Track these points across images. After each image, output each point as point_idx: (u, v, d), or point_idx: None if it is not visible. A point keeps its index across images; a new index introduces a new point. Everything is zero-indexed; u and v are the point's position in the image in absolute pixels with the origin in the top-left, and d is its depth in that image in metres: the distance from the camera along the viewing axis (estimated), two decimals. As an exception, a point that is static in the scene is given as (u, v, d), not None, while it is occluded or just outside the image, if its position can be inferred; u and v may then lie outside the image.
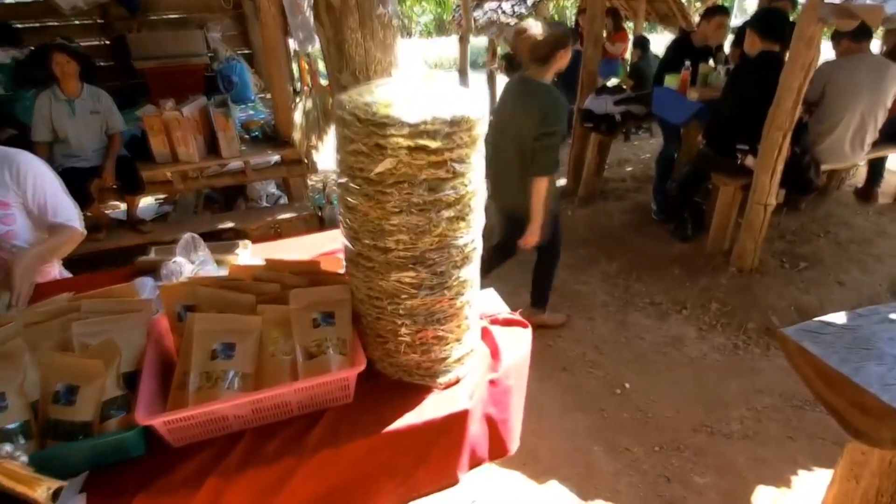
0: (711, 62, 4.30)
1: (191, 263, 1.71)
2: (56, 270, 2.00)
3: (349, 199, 1.21)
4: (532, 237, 2.66)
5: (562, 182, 5.19)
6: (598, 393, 2.62)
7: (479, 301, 1.43)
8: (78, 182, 3.42)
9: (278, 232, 4.15)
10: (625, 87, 5.78)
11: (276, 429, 1.25)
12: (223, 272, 1.76)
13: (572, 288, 3.54)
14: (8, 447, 0.99)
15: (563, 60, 2.48)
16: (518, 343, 1.49)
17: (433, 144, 1.10)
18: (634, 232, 4.18)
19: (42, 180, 1.82)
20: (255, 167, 4.00)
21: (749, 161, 3.38)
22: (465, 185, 1.19)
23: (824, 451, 2.23)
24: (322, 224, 4.12)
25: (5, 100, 4.10)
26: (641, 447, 2.29)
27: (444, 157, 1.13)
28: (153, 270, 1.76)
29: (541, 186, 2.53)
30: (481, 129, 1.18)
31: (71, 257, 3.64)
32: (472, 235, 1.26)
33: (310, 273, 1.43)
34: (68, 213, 1.90)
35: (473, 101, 1.17)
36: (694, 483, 2.11)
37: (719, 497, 2.04)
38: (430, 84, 1.27)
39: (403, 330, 1.28)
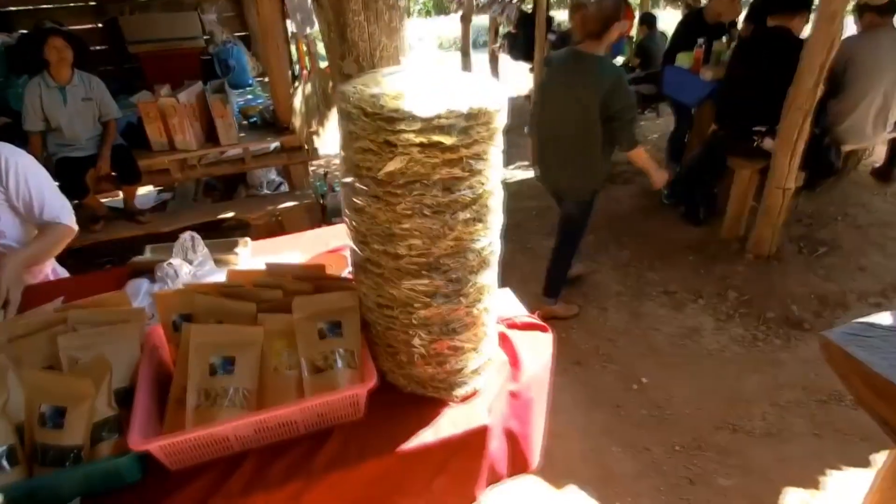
0: (725, 39, 4.14)
1: (188, 264, 1.61)
2: (49, 269, 1.90)
3: (356, 200, 1.10)
4: (659, 179, 2.80)
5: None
6: (614, 388, 2.53)
7: (496, 299, 1.33)
8: (73, 172, 3.33)
9: (279, 221, 4.05)
10: (632, 65, 5.63)
11: (282, 449, 1.16)
12: (222, 274, 1.67)
13: (583, 276, 3.43)
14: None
15: (616, 33, 2.47)
16: (539, 350, 1.39)
17: (448, 140, 0.99)
18: (644, 217, 4.07)
19: (27, 175, 1.71)
20: (254, 154, 3.88)
21: (767, 143, 3.25)
22: (483, 184, 1.09)
23: (853, 450, 2.15)
24: (324, 212, 4.02)
25: (-5, 87, 3.98)
26: (661, 447, 2.21)
27: (460, 153, 1.02)
28: (149, 271, 1.67)
29: (637, 155, 2.64)
30: (500, 121, 1.07)
31: (67, 249, 3.56)
32: (490, 238, 1.16)
33: (314, 278, 1.33)
34: (57, 209, 1.80)
35: (490, 91, 1.05)
36: (718, 485, 2.03)
37: (745, 500, 1.97)
38: (442, 72, 1.15)
39: (416, 341, 1.18)
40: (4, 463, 1.03)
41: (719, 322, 2.92)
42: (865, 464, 2.09)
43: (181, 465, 1.12)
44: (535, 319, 1.47)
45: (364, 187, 1.07)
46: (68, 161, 3.31)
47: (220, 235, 4.29)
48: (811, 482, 2.03)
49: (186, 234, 1.65)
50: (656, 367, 2.64)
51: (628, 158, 2.69)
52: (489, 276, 1.20)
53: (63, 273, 1.99)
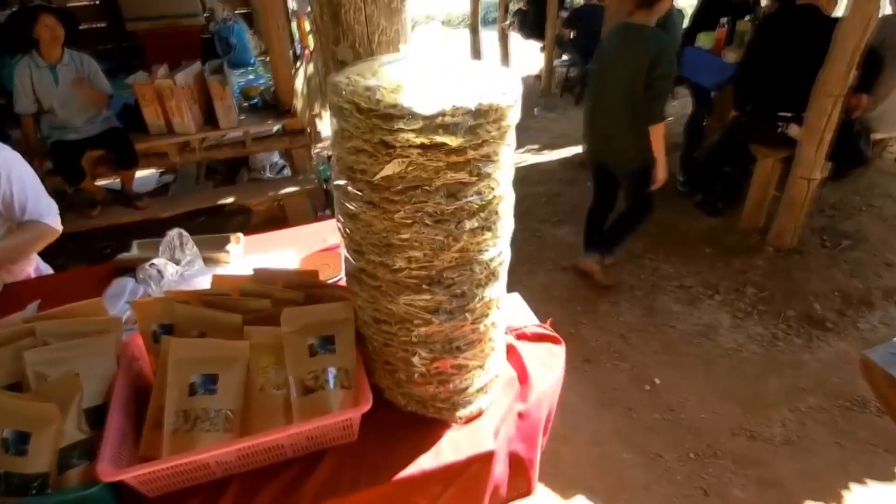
0: (749, 19, 3.93)
1: (175, 264, 1.51)
2: (31, 267, 1.80)
3: (349, 205, 0.98)
4: (662, 176, 2.74)
5: (580, 150, 4.90)
6: (626, 389, 2.42)
7: (505, 311, 1.22)
8: (69, 156, 3.22)
9: (281, 206, 3.94)
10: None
11: (269, 474, 1.07)
12: (210, 274, 1.56)
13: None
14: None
15: (667, 3, 2.53)
16: (550, 364, 1.28)
17: (453, 142, 0.86)
18: (659, 205, 3.88)
19: (10, 172, 1.59)
20: (255, 137, 3.76)
21: (793, 130, 3.08)
22: (493, 189, 0.97)
23: (878, 461, 2.04)
24: (328, 197, 3.89)
25: (-12, 66, 3.84)
26: (674, 453, 2.11)
27: (467, 156, 0.90)
28: (136, 268, 1.56)
29: (658, 132, 2.60)
30: (513, 117, 0.94)
31: (66, 234, 3.47)
32: (499, 248, 1.04)
33: (306, 285, 1.22)
34: (42, 209, 1.69)
35: (503, 82, 0.92)
36: (734, 497, 1.93)
37: (763, 514, 1.87)
38: (449, 60, 1.02)
39: (416, 359, 1.07)
40: (-35, 490, 0.95)
41: (737, 319, 2.80)
42: (891, 477, 1.98)
43: (159, 492, 1.03)
44: (547, 330, 1.36)
45: (358, 192, 0.95)
46: (63, 144, 3.20)
47: (222, 220, 4.20)
48: (833, 495, 1.93)
49: (174, 232, 1.55)
50: (670, 367, 2.53)
51: (642, 136, 2.62)
52: (498, 289, 1.09)
53: (47, 270, 1.88)
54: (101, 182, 3.80)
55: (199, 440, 1.01)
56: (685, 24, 4.54)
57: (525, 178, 4.48)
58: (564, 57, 6.80)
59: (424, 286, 0.99)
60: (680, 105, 5.97)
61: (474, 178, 0.93)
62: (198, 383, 1.05)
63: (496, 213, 1.00)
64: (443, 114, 0.84)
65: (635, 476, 2.02)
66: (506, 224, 1.06)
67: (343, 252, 1.09)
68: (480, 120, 0.87)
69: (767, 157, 3.23)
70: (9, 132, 3.40)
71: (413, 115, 0.83)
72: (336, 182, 1.00)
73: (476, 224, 0.97)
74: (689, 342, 2.67)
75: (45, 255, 1.89)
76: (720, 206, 3.66)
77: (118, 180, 3.76)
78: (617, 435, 2.20)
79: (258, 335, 1.11)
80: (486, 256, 1.01)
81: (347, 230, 1.03)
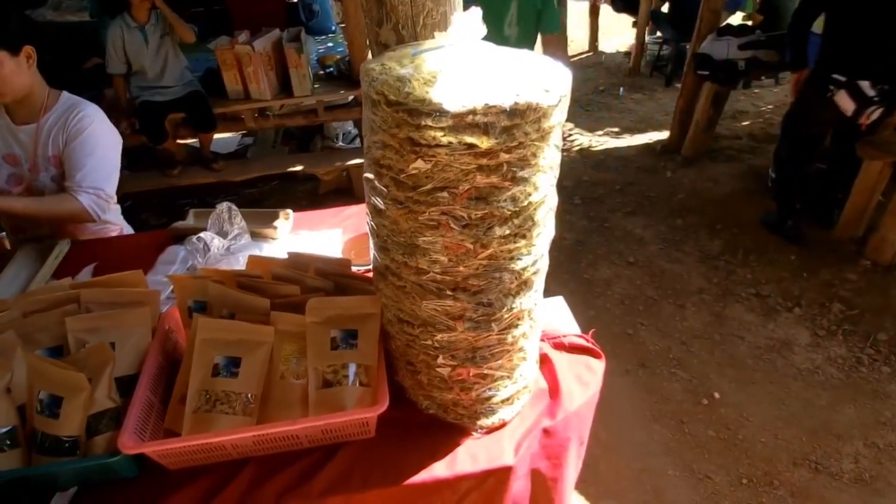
0: None
1: (222, 238, 1.53)
2: (116, 229, 1.87)
3: (375, 200, 0.93)
4: None
5: (663, 136, 4.61)
6: (681, 400, 2.28)
7: (541, 320, 1.14)
8: (154, 116, 3.39)
9: (349, 176, 3.98)
10: (752, 23, 4.94)
11: (283, 462, 1.07)
12: (258, 248, 1.58)
13: (662, 266, 3.11)
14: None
15: None
16: (586, 381, 1.19)
17: (483, 143, 0.79)
18: (746, 203, 3.61)
19: (83, 132, 1.65)
20: (328, 106, 3.79)
21: (842, 100, 2.63)
22: (529, 195, 0.88)
23: (965, 518, 1.81)
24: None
25: (91, 27, 4.08)
26: (726, 476, 1.96)
27: (500, 159, 0.82)
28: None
29: None
30: (557, 118, 0.85)
31: (146, 192, 3.67)
32: (533, 256, 0.96)
33: (337, 275, 1.20)
34: (90, 183, 1.66)
35: (549, 78, 0.83)
36: (787, 534, 1.78)
37: (819, 559, 1.71)
38: (496, 50, 0.93)
39: (439, 363, 1.03)
40: (6, 444, 1.01)
41: (817, 338, 2.54)
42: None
43: (179, 466, 1.05)
44: (587, 342, 1.27)
45: (384, 188, 0.90)
46: (150, 105, 3.36)
47: (293, 185, 4.32)
48: (905, 549, 1.74)
49: (224, 205, 1.57)
50: (733, 382, 2.35)
51: None
52: (531, 299, 1.01)
53: (127, 228, 1.94)
54: (184, 141, 3.99)
55: (217, 422, 1.03)
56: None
57: (600, 164, 4.27)
58: (658, 34, 6.37)
59: (448, 291, 0.94)
60: (782, 92, 5.46)
61: (507, 183, 0.85)
62: (221, 365, 1.06)
63: (532, 219, 0.92)
64: (473, 112, 0.76)
65: (678, 496, 1.90)
66: (544, 231, 0.97)
67: (370, 247, 1.05)
68: (517, 120, 0.79)
69: (875, 159, 2.87)
70: (104, 91, 3.61)
71: (441, 112, 0.76)
72: (365, 175, 0.96)
73: (507, 231, 0.89)
74: (759, 357, 2.46)
75: (129, 210, 1.97)
76: (801, 231, 3.20)
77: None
78: (664, 449, 2.07)
79: (284, 322, 1.10)
80: (517, 265, 0.94)
81: (374, 225, 0.98)
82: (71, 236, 1.71)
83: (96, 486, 1.03)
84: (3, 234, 1.78)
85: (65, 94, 1.70)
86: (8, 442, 1.01)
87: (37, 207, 1.63)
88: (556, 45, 2.51)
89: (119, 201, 1.86)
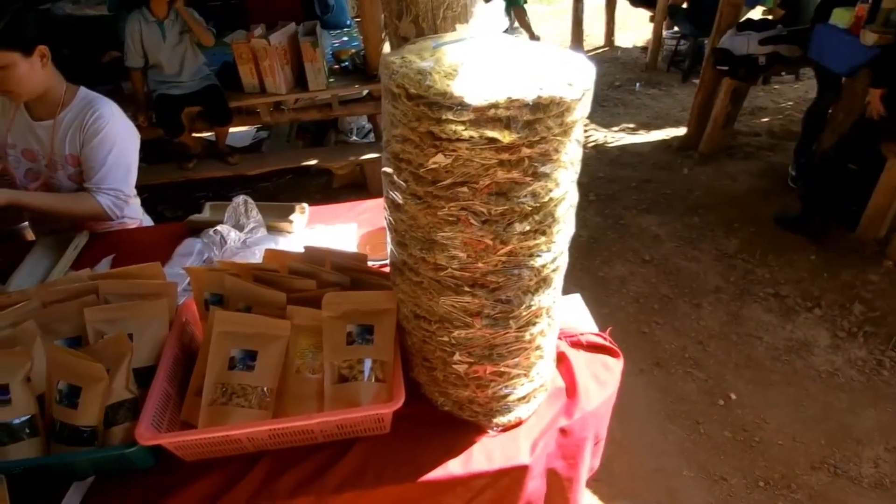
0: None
1: (238, 231, 1.53)
2: (135, 223, 1.88)
3: (394, 195, 0.93)
4: None
5: (680, 132, 4.55)
6: (696, 401, 2.25)
7: (559, 318, 1.13)
8: (170, 110, 3.40)
9: (362, 170, 3.97)
10: (773, 18, 4.86)
11: (298, 457, 1.06)
12: (274, 241, 1.58)
13: (678, 264, 3.08)
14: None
15: None
16: (603, 380, 1.18)
17: (505, 137, 0.78)
18: (764, 201, 3.56)
19: (103, 131, 1.66)
20: (342, 100, 3.78)
21: None
22: (550, 190, 0.87)
23: None
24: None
25: (109, 20, 4.11)
26: (742, 479, 1.93)
27: (522, 154, 0.81)
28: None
29: None
30: (580, 112, 0.83)
31: (163, 184, 3.69)
32: (553, 253, 0.95)
33: (353, 270, 1.19)
34: (108, 183, 1.67)
35: (572, 72, 0.82)
36: (805, 539, 1.75)
37: (837, 564, 1.69)
38: (517, 43, 0.92)
39: (455, 360, 1.02)
40: (25, 433, 1.02)
41: (837, 339, 2.50)
42: None
43: (194, 458, 1.06)
44: (605, 340, 1.25)
45: (403, 182, 0.89)
46: (167, 98, 3.38)
47: (307, 179, 4.33)
48: (927, 556, 1.70)
49: (240, 198, 1.57)
50: (750, 383, 2.32)
51: None
52: (550, 296, 1.00)
53: (146, 220, 1.95)
54: (200, 135, 4.01)
55: (232, 415, 1.03)
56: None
57: (615, 160, 4.23)
58: (675, 28, 6.28)
59: (466, 288, 0.93)
60: (803, 88, 5.37)
61: (529, 178, 0.84)
62: (237, 358, 1.06)
63: (552, 216, 0.90)
64: (495, 105, 0.75)
65: (692, 497, 1.88)
66: (564, 228, 0.96)
67: (388, 242, 1.04)
68: (539, 114, 0.78)
69: (901, 157, 2.81)
70: (122, 84, 3.64)
71: (463, 106, 0.75)
72: (383, 169, 0.95)
73: (528, 227, 0.88)
74: (777, 358, 2.43)
75: (146, 202, 1.98)
76: (826, 230, 3.17)
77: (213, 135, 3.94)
78: (680, 450, 2.05)
79: (300, 316, 1.10)
80: (537, 262, 0.92)
81: (392, 220, 0.98)
82: (90, 229, 1.72)
83: (113, 475, 1.04)
84: (25, 224, 1.80)
85: (81, 89, 1.70)
86: (27, 430, 1.02)
87: (57, 205, 1.65)
88: (522, 18, 2.49)
89: (137, 193, 1.87)
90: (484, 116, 0.76)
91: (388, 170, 0.93)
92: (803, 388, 2.28)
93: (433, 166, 0.82)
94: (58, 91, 1.65)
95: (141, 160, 1.80)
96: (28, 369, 1.04)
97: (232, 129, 3.95)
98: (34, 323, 1.09)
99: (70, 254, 1.59)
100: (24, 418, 1.02)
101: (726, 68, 3.91)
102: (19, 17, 1.46)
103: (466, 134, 0.77)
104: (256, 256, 1.45)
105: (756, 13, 5.53)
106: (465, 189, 0.83)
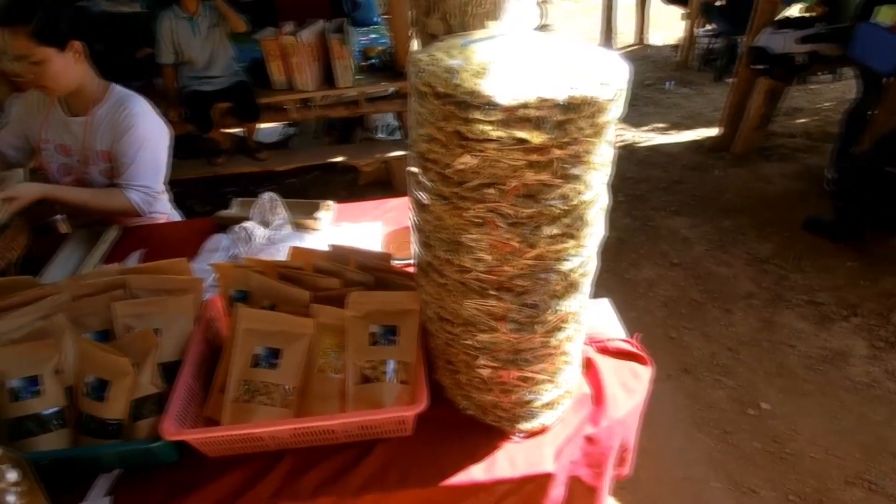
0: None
1: (264, 227, 1.54)
2: (164, 218, 1.91)
3: (420, 195, 0.91)
4: None
5: (712, 132, 4.44)
6: (726, 409, 2.19)
7: (586, 323, 1.10)
8: (201, 106, 3.45)
9: (388, 168, 3.98)
10: (812, 15, 4.70)
11: (320, 456, 1.06)
12: (298, 239, 1.58)
13: (709, 268, 3.00)
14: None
15: None
16: (631, 388, 1.15)
17: (535, 138, 0.75)
18: (800, 205, 3.45)
19: (133, 128, 1.68)
20: (369, 97, 3.79)
21: None
22: (580, 193, 0.85)
23: None
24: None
25: (143, 17, 4.19)
26: (773, 492, 1.87)
27: (552, 155, 0.79)
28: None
29: None
30: (613, 113, 0.81)
31: (189, 180, 3.75)
32: (582, 257, 0.92)
33: (378, 269, 1.19)
34: (138, 180, 1.70)
35: (606, 71, 0.79)
36: (839, 557, 1.69)
37: (872, 585, 1.62)
38: (550, 40, 0.90)
39: (479, 363, 1.00)
40: (54, 423, 1.04)
41: (875, 350, 2.40)
42: None
43: (217, 454, 1.06)
44: (634, 347, 1.22)
45: (429, 182, 0.87)
46: (197, 94, 3.43)
47: (333, 176, 4.35)
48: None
49: (266, 195, 1.58)
50: (782, 393, 2.24)
51: None
52: (578, 301, 0.97)
53: (173, 216, 1.98)
54: (229, 131, 4.06)
55: (255, 413, 1.03)
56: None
57: (644, 160, 4.15)
58: (709, 26, 6.15)
59: (492, 291, 0.91)
60: (841, 88, 5.20)
61: (558, 180, 0.81)
62: (261, 356, 1.06)
63: (582, 219, 0.88)
64: (525, 105, 0.73)
65: (721, 508, 1.83)
66: (594, 231, 0.93)
67: (413, 242, 1.03)
68: (571, 115, 0.75)
69: (947, 160, 2.69)
70: (154, 80, 3.71)
71: (492, 105, 0.73)
72: (409, 168, 0.93)
73: (556, 231, 0.86)
74: (811, 367, 2.35)
75: (176, 197, 2.01)
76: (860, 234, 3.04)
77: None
78: (708, 459, 1.99)
79: (324, 315, 1.09)
80: (565, 266, 0.90)
81: (417, 220, 0.96)
82: (120, 223, 1.75)
83: (139, 469, 1.05)
84: (60, 217, 1.84)
85: (114, 86, 1.73)
86: (56, 422, 1.04)
87: (88, 199, 1.67)
88: None
89: (167, 188, 1.90)
90: (513, 116, 0.74)
91: (415, 169, 0.91)
92: (838, 399, 2.20)
93: (460, 167, 0.80)
94: (91, 87, 1.67)
95: (171, 155, 1.83)
96: (58, 361, 1.05)
97: (260, 126, 4.00)
98: (64, 316, 1.11)
99: (101, 247, 1.61)
100: (53, 409, 1.04)
101: (762, 67, 3.81)
102: (53, 12, 1.48)
103: (495, 134, 0.76)
104: (282, 253, 1.45)
105: (794, 10, 5.36)
106: (492, 191, 0.81)
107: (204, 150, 3.80)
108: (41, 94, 1.70)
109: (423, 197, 0.90)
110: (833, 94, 5.21)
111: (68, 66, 1.57)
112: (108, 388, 1.02)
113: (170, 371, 1.09)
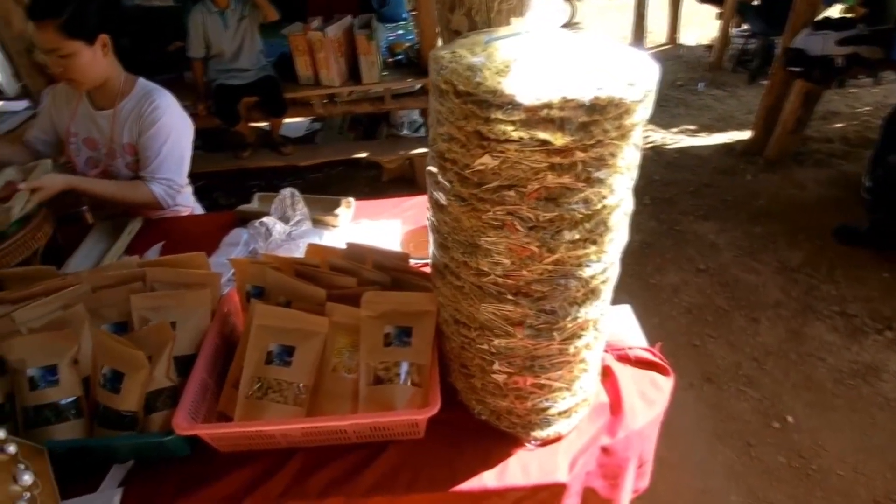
0: None
1: (284, 223, 1.54)
2: (187, 210, 1.93)
3: (437, 195, 0.89)
4: None
5: (744, 136, 4.33)
6: (749, 421, 2.12)
7: (606, 331, 1.07)
8: (229, 100, 3.48)
9: (412, 164, 3.97)
10: (853, 16, 4.54)
11: (331, 455, 1.05)
12: (319, 235, 1.58)
13: (736, 275, 2.92)
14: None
15: None
16: (651, 398, 1.11)
17: (557, 140, 0.73)
18: (834, 213, 3.33)
19: (158, 122, 1.70)
20: (394, 94, 3.78)
21: None
22: (604, 197, 0.82)
23: None
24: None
25: (175, 11, 4.25)
26: (796, 509, 1.82)
27: (575, 157, 0.76)
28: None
29: None
30: (641, 115, 0.77)
31: (215, 172, 3.79)
32: (603, 264, 0.89)
33: (394, 269, 1.17)
34: (162, 173, 1.71)
35: (634, 71, 0.76)
36: (864, 581, 1.62)
37: None
38: (577, 38, 0.87)
39: (495, 369, 0.98)
40: (71, 413, 1.05)
41: (910, 365, 2.32)
42: None
43: (229, 450, 1.06)
44: (655, 356, 1.18)
45: (447, 183, 0.85)
46: (225, 88, 3.46)
47: (357, 171, 4.36)
48: None
49: (287, 191, 1.57)
50: (809, 406, 2.17)
51: None
52: (598, 308, 0.94)
53: (197, 209, 1.99)
54: (256, 124, 4.10)
55: (267, 410, 1.02)
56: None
57: (673, 163, 4.06)
58: (744, 26, 5.99)
59: (509, 296, 0.88)
60: (881, 92, 5.02)
61: (581, 184, 0.79)
62: (275, 353, 1.06)
63: (605, 224, 0.85)
64: (549, 106, 0.70)
65: (741, 524, 1.78)
66: (617, 237, 0.90)
67: (430, 243, 1.01)
68: (596, 116, 0.73)
69: None
70: (184, 74, 3.75)
71: (513, 105, 0.71)
72: (428, 168, 0.91)
73: (578, 236, 0.83)
74: (841, 381, 2.27)
75: (201, 189, 2.02)
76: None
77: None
78: (728, 472, 1.94)
79: (339, 314, 1.08)
80: (586, 272, 0.87)
81: (434, 221, 0.94)
82: (143, 215, 1.76)
83: (151, 461, 1.06)
84: (85, 208, 1.87)
85: (140, 80, 1.74)
86: (72, 411, 1.05)
87: (113, 192, 1.69)
88: None
89: (192, 181, 1.92)
90: (536, 117, 0.71)
91: (433, 169, 0.89)
92: (869, 416, 2.12)
93: (480, 167, 0.78)
94: (118, 81, 1.69)
95: (198, 148, 1.84)
96: (75, 352, 1.07)
97: (286, 120, 4.02)
98: (83, 307, 1.12)
99: (124, 239, 1.63)
100: (70, 399, 1.05)
101: (799, 69, 3.68)
102: (83, 6, 1.50)
103: (516, 135, 0.73)
104: (300, 249, 1.45)
105: (834, 11, 5.19)
106: (512, 193, 0.79)
107: (230, 144, 3.83)
108: (69, 88, 1.72)
109: (441, 197, 0.88)
110: (873, 98, 5.03)
111: (96, 60, 1.59)
112: (123, 381, 1.03)
113: (185, 364, 1.09)
